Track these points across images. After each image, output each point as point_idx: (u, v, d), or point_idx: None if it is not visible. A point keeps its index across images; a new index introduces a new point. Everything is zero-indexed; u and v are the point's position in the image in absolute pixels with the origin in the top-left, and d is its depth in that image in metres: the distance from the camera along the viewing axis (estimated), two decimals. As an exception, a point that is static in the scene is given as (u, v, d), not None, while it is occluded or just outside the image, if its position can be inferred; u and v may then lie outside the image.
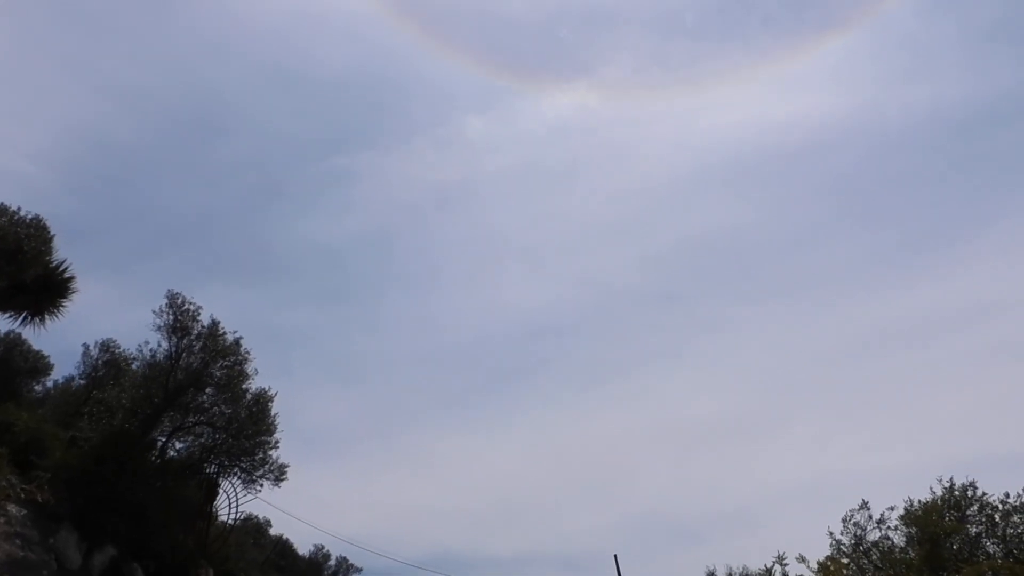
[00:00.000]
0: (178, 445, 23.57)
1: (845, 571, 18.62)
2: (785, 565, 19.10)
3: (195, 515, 24.08)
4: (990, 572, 15.90)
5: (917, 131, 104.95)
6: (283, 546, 44.49)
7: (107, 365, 25.20)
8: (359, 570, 48.08)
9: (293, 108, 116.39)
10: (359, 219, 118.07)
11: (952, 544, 18.15)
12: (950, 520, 18.56)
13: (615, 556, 38.75)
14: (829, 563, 18.46)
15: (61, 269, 22.60)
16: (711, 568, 27.33)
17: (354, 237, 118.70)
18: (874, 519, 19.90)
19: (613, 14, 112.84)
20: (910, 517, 19.05)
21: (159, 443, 22.76)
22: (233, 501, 24.44)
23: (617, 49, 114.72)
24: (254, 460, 23.36)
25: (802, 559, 19.02)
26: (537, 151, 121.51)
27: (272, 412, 23.42)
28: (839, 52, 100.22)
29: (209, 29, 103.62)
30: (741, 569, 26.46)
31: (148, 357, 23.15)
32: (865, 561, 19.29)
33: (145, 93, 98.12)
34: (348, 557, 48.20)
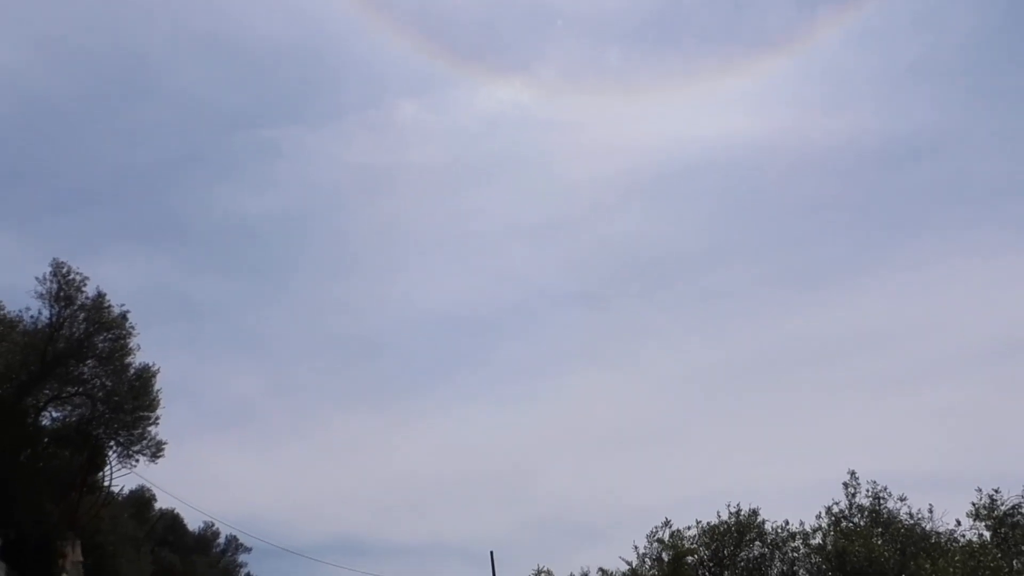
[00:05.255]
0: (54, 414, 23.20)
1: None
2: None
3: (68, 486, 23.77)
4: None
5: (836, 158, 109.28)
6: (171, 520, 43.89)
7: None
8: (248, 550, 47.93)
9: (222, 75, 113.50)
10: (278, 195, 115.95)
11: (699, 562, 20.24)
12: (730, 540, 20.63)
13: (491, 553, 39.28)
14: None
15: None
16: (585, 569, 28.73)
17: (271, 212, 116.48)
18: (673, 537, 21.87)
19: (553, 13, 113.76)
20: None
21: (33, 411, 22.35)
22: (108, 475, 24.21)
23: (554, 48, 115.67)
24: (132, 435, 23.18)
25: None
26: (467, 144, 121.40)
27: (155, 388, 23.27)
28: (769, 74, 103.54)
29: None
30: (614, 571, 27.97)
31: (29, 324, 22.72)
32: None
33: (71, 47, 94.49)
34: (238, 536, 47.98)
